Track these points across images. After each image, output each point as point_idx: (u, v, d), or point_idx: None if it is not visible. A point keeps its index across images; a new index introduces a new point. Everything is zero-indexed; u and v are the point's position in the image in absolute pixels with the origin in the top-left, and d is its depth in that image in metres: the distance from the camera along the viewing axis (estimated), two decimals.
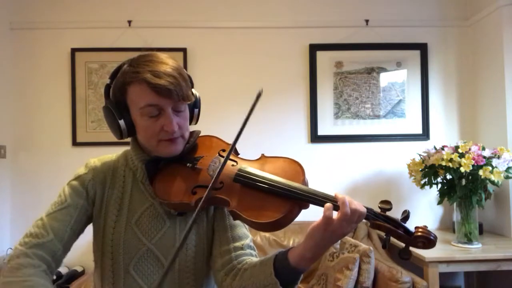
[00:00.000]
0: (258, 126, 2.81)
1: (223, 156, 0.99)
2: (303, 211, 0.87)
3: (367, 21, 2.88)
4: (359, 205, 0.80)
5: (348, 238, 2.41)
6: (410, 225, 0.81)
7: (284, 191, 0.84)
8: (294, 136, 2.86)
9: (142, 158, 1.02)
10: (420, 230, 0.80)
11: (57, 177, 2.61)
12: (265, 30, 2.88)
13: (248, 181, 0.89)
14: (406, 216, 0.82)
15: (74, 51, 2.77)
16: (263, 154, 1.00)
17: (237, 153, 1.02)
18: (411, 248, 0.81)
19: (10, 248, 2.58)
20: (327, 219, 0.78)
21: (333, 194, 0.82)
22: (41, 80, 2.79)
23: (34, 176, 2.75)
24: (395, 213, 0.83)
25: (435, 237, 0.79)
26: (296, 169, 0.92)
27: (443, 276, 2.33)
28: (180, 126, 0.97)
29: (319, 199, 0.82)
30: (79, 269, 2.58)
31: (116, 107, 0.96)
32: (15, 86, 2.77)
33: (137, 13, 2.82)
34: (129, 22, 2.79)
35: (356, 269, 2.12)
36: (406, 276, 2.05)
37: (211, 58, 2.85)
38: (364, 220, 0.81)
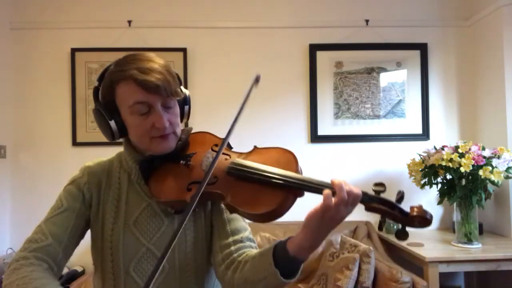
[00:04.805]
0: (258, 126, 2.81)
1: (216, 151, 0.98)
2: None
3: (367, 21, 2.88)
4: (354, 188, 0.79)
5: (348, 238, 2.41)
6: (405, 206, 0.81)
7: (278, 180, 0.84)
8: (294, 136, 2.86)
9: (136, 159, 1.01)
10: (416, 209, 0.79)
11: (57, 177, 2.62)
12: (265, 30, 2.88)
13: (242, 173, 0.89)
14: (401, 197, 0.81)
15: (74, 51, 2.77)
16: (255, 146, 1.00)
17: (230, 147, 1.02)
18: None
19: (10, 248, 2.59)
20: (326, 206, 0.77)
21: (328, 181, 0.81)
22: (41, 80, 2.79)
23: (34, 176, 2.75)
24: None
25: (431, 216, 0.79)
26: (289, 158, 0.91)
27: (443, 276, 2.33)
28: (171, 123, 0.96)
29: (314, 186, 0.81)
30: (79, 269, 2.58)
31: (106, 108, 0.96)
32: (15, 86, 2.77)
33: (137, 13, 2.82)
34: (129, 22, 2.79)
35: (356, 269, 2.12)
36: (406, 276, 2.05)
37: (211, 58, 2.85)
38: (359, 204, 0.80)
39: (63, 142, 2.78)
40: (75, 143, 2.77)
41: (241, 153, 0.98)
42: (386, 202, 0.80)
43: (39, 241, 0.93)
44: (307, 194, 0.84)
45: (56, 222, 0.96)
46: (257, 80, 0.86)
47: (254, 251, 0.95)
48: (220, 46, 2.85)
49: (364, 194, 0.80)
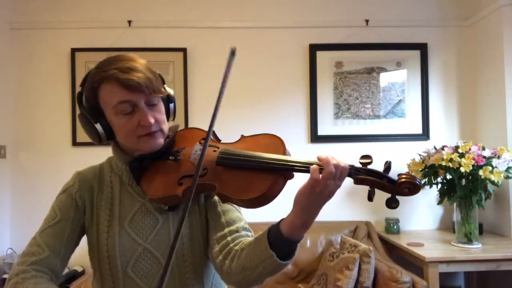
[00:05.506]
0: (258, 126, 2.80)
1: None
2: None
3: (367, 21, 2.88)
4: (342, 161, 0.80)
5: (348, 238, 2.41)
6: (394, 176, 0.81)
7: (266, 164, 0.85)
8: (294, 136, 2.86)
9: (125, 160, 1.01)
10: (404, 176, 0.79)
11: (57, 177, 2.60)
12: (265, 30, 2.88)
13: (230, 161, 0.90)
14: (388, 166, 0.81)
15: (74, 51, 2.77)
16: (242, 135, 1.01)
17: (218, 140, 1.03)
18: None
19: (10, 248, 2.59)
20: (313, 180, 0.77)
21: (315, 159, 0.82)
22: (41, 80, 2.79)
23: (34, 176, 2.75)
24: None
25: (420, 182, 0.78)
26: (276, 142, 0.93)
27: (443, 276, 2.33)
28: (157, 120, 0.96)
29: (302, 166, 0.82)
30: (79, 269, 2.58)
31: (91, 112, 0.96)
32: (15, 86, 2.77)
33: (137, 13, 2.82)
34: (129, 22, 2.79)
35: (356, 269, 2.13)
36: (406, 276, 2.05)
37: (211, 58, 2.84)
38: (347, 178, 0.80)
39: (63, 142, 2.78)
40: (75, 143, 2.77)
41: (228, 143, 0.99)
42: (373, 172, 0.81)
43: (36, 254, 0.93)
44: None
45: (51, 233, 0.96)
46: (232, 53, 0.86)
47: (250, 239, 0.95)
48: (220, 46, 2.85)
49: (351, 166, 0.81)
